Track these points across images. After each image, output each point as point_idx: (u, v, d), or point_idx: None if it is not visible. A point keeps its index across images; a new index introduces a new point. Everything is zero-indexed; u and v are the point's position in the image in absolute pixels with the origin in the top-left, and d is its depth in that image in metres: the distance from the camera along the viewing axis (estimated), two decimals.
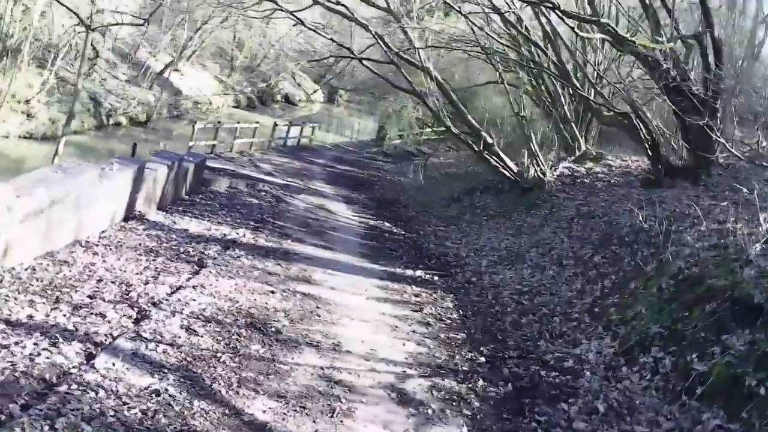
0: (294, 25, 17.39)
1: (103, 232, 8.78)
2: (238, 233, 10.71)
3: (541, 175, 15.41)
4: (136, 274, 7.45)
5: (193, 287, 7.32)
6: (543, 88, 17.92)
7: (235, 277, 8.05)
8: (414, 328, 7.57)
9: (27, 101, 24.15)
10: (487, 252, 12.26)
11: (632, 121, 13.49)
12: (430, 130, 30.78)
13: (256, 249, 9.91)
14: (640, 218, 9.88)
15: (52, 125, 24.73)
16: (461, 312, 8.58)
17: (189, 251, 8.88)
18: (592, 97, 15.45)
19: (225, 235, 10.43)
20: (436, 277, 10.33)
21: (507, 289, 9.80)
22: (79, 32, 25.82)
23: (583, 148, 17.65)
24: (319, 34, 17.26)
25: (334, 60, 15.86)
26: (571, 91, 17.59)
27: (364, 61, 15.66)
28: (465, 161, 26.51)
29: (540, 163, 15.56)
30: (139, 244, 8.75)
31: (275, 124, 25.71)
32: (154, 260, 8.10)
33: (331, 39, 16.07)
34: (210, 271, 8.07)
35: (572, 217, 12.46)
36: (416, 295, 9.04)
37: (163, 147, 21.40)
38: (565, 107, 17.40)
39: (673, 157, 13.56)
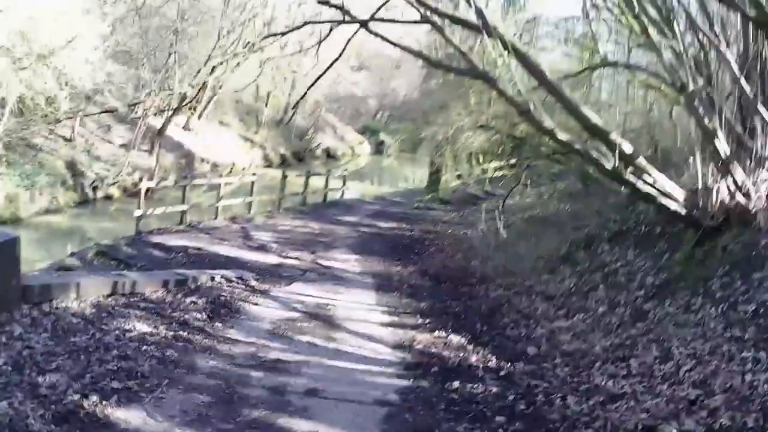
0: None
1: None
2: None
3: (743, 199, 7.78)
4: None
5: None
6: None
7: None
8: None
9: None
10: (721, 409, 4.50)
11: None
12: (499, 163, 23.40)
13: None
14: None
15: (11, 204, 18.85)
16: None
17: None
18: None
19: None
20: None
21: None
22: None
23: None
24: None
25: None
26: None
27: (376, 29, 8.62)
28: (550, 199, 18.83)
29: (733, 176, 7.92)
30: None
31: (284, 176, 18.62)
32: None
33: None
34: None
35: None
36: None
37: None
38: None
39: None
